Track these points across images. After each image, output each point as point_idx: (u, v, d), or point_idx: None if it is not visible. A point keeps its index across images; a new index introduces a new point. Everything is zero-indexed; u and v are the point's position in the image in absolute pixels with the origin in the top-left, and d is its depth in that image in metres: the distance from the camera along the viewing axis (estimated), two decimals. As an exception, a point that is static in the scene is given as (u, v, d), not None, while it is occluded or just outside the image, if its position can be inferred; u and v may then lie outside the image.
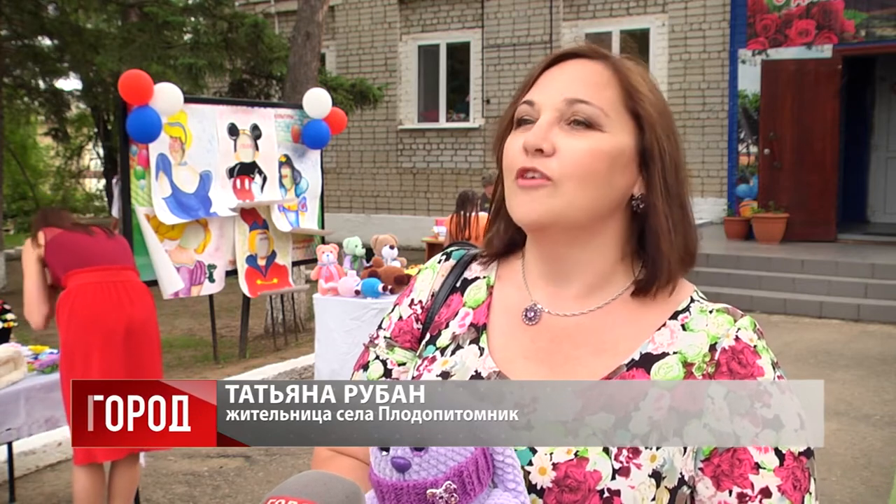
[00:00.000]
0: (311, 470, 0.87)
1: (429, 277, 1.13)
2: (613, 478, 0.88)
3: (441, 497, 0.79)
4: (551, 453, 0.90)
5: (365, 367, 1.10)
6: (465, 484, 0.79)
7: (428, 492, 0.79)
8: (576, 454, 0.89)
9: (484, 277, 1.09)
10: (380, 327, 1.13)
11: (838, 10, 10.50)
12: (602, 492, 0.87)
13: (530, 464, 0.90)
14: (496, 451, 0.82)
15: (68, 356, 3.29)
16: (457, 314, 1.07)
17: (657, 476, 0.89)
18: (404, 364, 1.08)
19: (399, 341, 1.09)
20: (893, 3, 10.24)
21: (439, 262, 1.14)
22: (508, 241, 1.07)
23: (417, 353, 1.08)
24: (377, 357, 1.10)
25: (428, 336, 1.08)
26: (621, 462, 0.89)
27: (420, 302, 1.11)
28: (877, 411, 5.35)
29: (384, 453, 0.81)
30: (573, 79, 0.97)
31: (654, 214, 0.98)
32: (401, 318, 1.11)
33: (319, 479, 0.83)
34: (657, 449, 0.89)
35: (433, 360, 1.04)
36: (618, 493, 0.87)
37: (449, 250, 1.16)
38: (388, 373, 1.08)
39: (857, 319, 8.09)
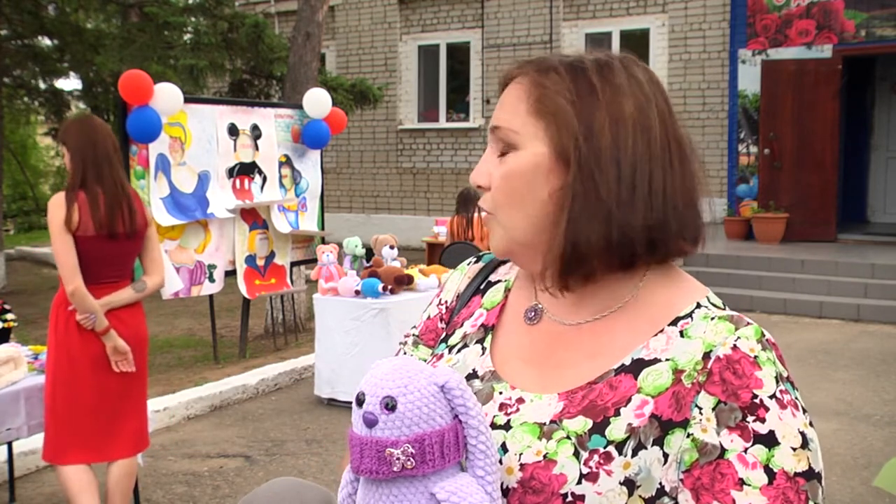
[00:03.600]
0: (284, 477, 0.88)
1: (457, 279, 1.18)
2: (579, 482, 0.86)
3: (398, 458, 0.81)
4: (521, 454, 0.89)
5: None
6: (426, 453, 0.81)
7: (387, 450, 0.81)
8: (545, 456, 0.88)
9: (504, 281, 1.12)
10: (414, 326, 1.19)
11: (838, 10, 10.50)
12: (566, 496, 0.86)
13: (500, 462, 0.90)
14: (470, 435, 0.83)
15: (53, 370, 3.28)
16: (472, 315, 1.10)
17: (630, 484, 0.86)
18: (425, 360, 1.11)
19: (425, 339, 1.14)
20: (893, 3, 10.24)
21: (468, 264, 1.19)
22: None
23: (432, 351, 1.12)
24: (404, 354, 1.14)
25: (444, 335, 1.12)
26: (590, 467, 0.86)
27: (446, 302, 1.16)
28: (877, 411, 5.35)
29: (358, 407, 0.84)
30: (500, 106, 1.01)
31: (574, 203, 0.93)
32: (429, 317, 1.17)
33: (292, 486, 0.84)
34: (632, 456, 0.86)
35: (440, 357, 1.07)
36: (582, 497, 0.85)
37: (480, 254, 1.20)
38: None
39: (857, 319, 8.09)
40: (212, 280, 6.22)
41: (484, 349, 1.04)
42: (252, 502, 0.80)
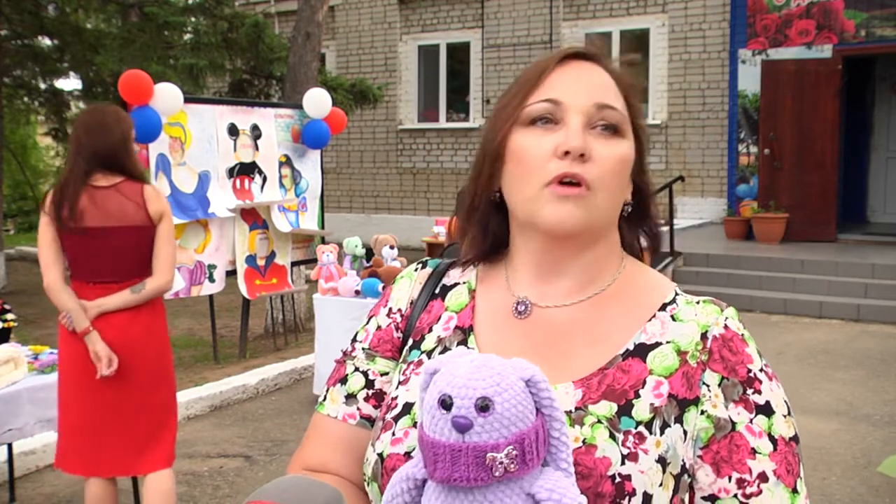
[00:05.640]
0: (292, 475, 0.85)
1: (406, 286, 1.12)
2: (623, 463, 0.88)
3: (501, 462, 0.76)
4: None
5: (343, 380, 1.08)
6: (526, 452, 0.77)
7: (488, 455, 0.76)
8: (583, 442, 0.89)
9: (464, 282, 1.09)
10: (355, 340, 1.12)
11: (838, 10, 10.50)
12: (613, 477, 0.87)
13: None
14: (553, 428, 0.80)
15: (60, 373, 3.18)
16: (439, 318, 1.07)
17: (663, 462, 0.89)
18: (387, 374, 1.07)
19: (379, 351, 1.08)
20: (893, 3, 10.24)
21: (416, 270, 1.14)
22: (487, 249, 1.07)
23: (401, 359, 1.07)
24: (356, 369, 1.08)
25: (411, 342, 1.07)
26: (629, 448, 0.89)
27: (399, 310, 1.10)
28: (877, 411, 5.35)
29: (445, 412, 0.77)
30: (595, 83, 0.98)
31: (648, 212, 1.06)
32: (379, 327, 1.10)
33: (299, 483, 0.81)
34: (661, 434, 0.90)
35: (420, 363, 1.03)
36: (629, 477, 0.87)
37: (424, 259, 1.16)
38: (370, 384, 1.07)
39: (857, 319, 8.09)
40: (212, 280, 6.23)
41: (471, 350, 1.01)
42: (258, 498, 0.79)
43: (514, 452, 0.76)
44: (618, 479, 0.87)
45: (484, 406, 0.76)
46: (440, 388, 0.78)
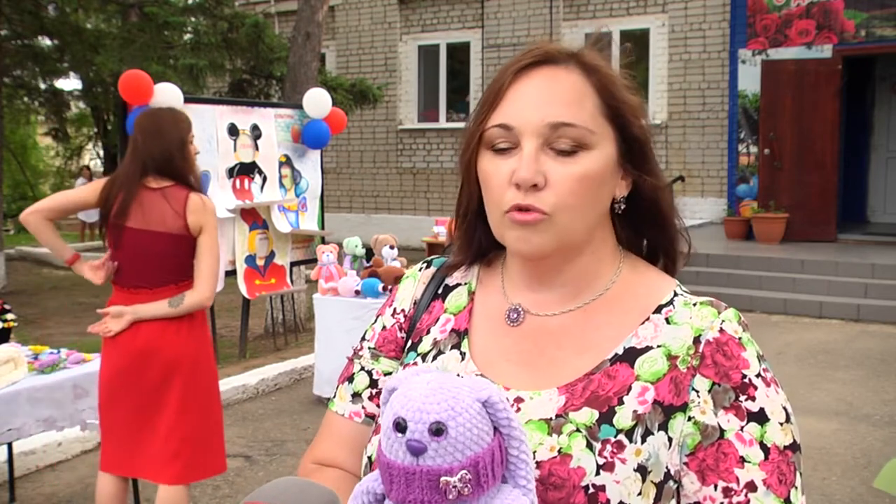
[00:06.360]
0: (289, 476, 0.86)
1: (410, 286, 1.13)
2: (598, 473, 0.86)
3: (454, 486, 0.76)
4: (534, 451, 0.89)
5: (350, 379, 1.10)
6: (480, 475, 0.77)
7: (441, 479, 0.76)
8: (559, 451, 0.88)
9: (465, 283, 1.09)
10: (363, 339, 1.13)
11: (838, 10, 10.50)
12: (587, 488, 0.86)
13: None
14: (511, 446, 0.80)
15: (98, 383, 3.18)
16: (438, 320, 1.07)
17: (643, 470, 0.87)
18: (390, 374, 1.07)
19: (384, 351, 1.09)
20: (893, 3, 10.24)
21: (420, 269, 1.14)
22: (475, 253, 1.07)
23: (400, 361, 1.07)
24: (362, 368, 1.09)
25: (409, 343, 1.08)
26: (605, 457, 0.87)
27: (403, 311, 1.11)
28: (877, 411, 5.35)
29: (399, 434, 0.78)
30: (550, 97, 0.93)
31: (659, 202, 1.01)
32: (384, 327, 1.11)
33: (296, 485, 0.82)
34: (642, 443, 0.88)
35: (414, 366, 1.03)
36: (602, 488, 0.86)
37: (429, 258, 1.16)
38: (373, 383, 1.08)
39: (857, 319, 8.09)
40: (212, 280, 6.22)
41: (463, 354, 1.01)
42: (255, 499, 0.79)
43: (468, 476, 0.76)
44: (591, 490, 0.86)
45: (437, 430, 0.76)
46: (395, 410, 0.78)
